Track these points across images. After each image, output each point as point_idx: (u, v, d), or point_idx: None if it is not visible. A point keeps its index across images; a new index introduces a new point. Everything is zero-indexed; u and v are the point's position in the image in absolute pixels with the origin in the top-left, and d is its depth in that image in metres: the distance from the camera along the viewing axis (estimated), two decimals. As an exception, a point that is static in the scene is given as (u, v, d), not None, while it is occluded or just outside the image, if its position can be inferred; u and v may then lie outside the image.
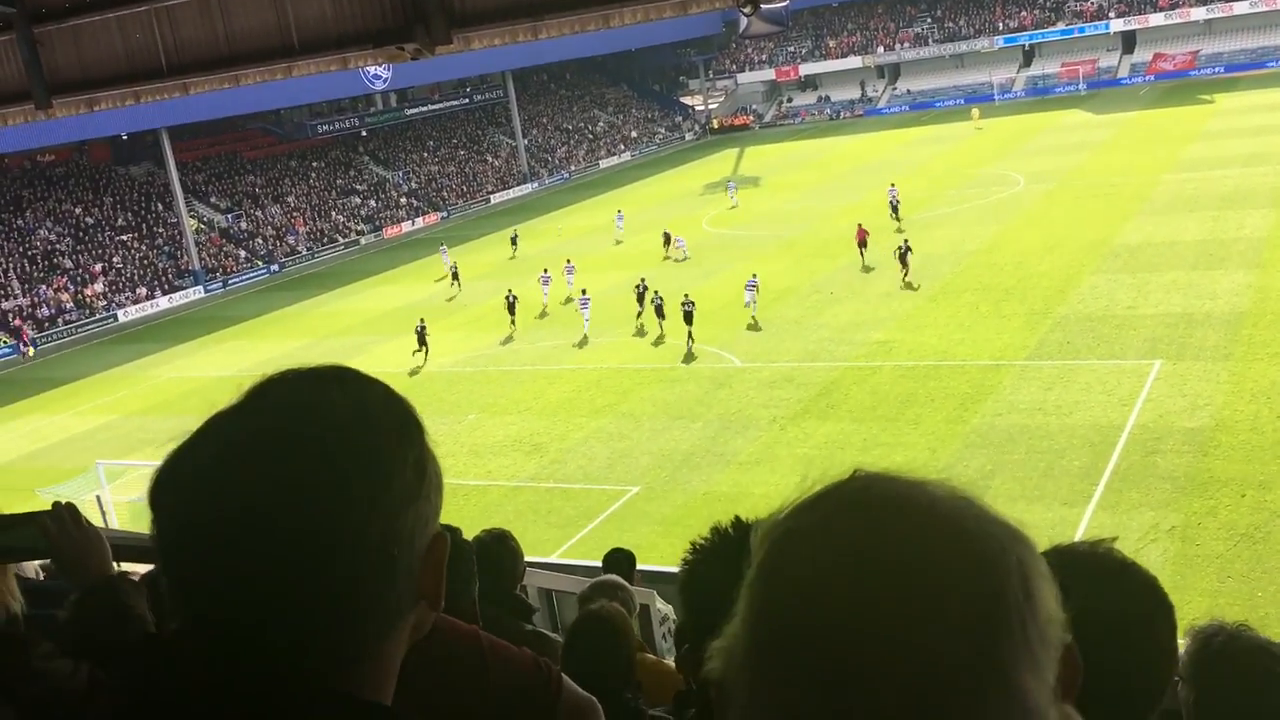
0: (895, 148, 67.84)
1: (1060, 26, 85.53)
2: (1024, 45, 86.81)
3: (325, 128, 71.53)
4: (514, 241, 53.46)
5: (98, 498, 23.48)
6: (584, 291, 36.64)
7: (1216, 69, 77.70)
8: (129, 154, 64.43)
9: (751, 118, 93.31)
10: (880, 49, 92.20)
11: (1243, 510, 18.15)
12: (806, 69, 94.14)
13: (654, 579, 7.73)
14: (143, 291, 55.25)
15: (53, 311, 51.70)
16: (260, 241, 63.24)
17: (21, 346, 47.98)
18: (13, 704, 2.28)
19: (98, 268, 55.75)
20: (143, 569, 3.79)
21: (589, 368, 31.92)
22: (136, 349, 44.90)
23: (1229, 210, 38.47)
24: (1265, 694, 2.81)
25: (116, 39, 11.19)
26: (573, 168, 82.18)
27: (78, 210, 59.69)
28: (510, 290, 38.13)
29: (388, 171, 75.21)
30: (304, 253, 63.13)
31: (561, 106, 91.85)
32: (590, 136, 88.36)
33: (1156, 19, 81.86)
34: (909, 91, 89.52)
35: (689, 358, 31.55)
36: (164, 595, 1.94)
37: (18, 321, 49.83)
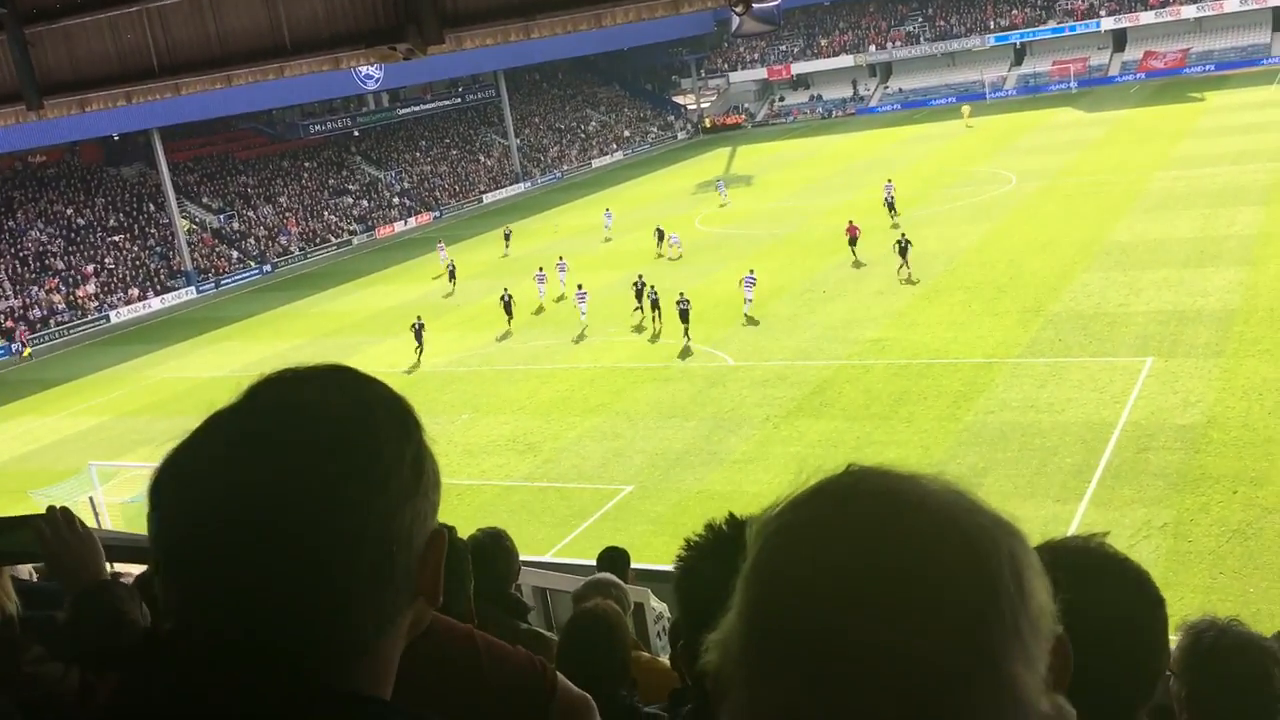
0: (887, 146, 67.93)
1: (1051, 25, 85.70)
2: (1015, 44, 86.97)
3: (317, 128, 71.41)
4: (507, 238, 53.99)
5: (90, 499, 23.41)
6: (580, 286, 36.96)
7: (1207, 67, 77.93)
8: (120, 155, 64.28)
9: (744, 117, 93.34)
10: (872, 48, 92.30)
11: (1235, 507, 18.21)
12: (798, 68, 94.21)
13: (648, 577, 7.74)
14: (135, 292, 55.12)
15: (44, 313, 51.56)
16: (252, 242, 63.12)
17: (19, 348, 47.84)
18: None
19: (89, 269, 55.60)
20: (137, 570, 3.79)
21: (582, 367, 31.93)
22: (129, 350, 44.79)
23: (1220, 208, 38.59)
24: (1256, 689, 2.83)
25: (108, 39, 11.17)
26: (565, 167, 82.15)
27: (69, 211, 59.52)
28: (506, 289, 38.27)
29: (380, 171, 75.12)
30: (296, 253, 63.03)
31: (554, 106, 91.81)
32: (582, 136, 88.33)
33: (1147, 17, 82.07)
34: (901, 90, 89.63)
35: (685, 354, 31.65)
36: (159, 595, 1.94)
37: (10, 323, 49.68)
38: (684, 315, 32.13)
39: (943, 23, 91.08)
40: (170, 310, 54.04)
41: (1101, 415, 22.61)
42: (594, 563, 7.38)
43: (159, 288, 56.20)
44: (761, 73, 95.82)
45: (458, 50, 10.57)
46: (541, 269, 41.26)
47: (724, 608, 0.86)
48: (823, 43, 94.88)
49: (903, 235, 36.76)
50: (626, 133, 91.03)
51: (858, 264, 38.78)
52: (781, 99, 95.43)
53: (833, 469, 0.87)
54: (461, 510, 21.37)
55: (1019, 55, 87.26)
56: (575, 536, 20.78)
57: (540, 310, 39.64)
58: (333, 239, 65.61)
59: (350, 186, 72.10)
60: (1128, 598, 1.70)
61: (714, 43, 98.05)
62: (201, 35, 11.06)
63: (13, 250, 55.15)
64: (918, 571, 0.78)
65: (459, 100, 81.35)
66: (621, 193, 66.46)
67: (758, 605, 0.82)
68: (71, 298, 53.22)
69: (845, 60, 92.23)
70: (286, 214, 66.39)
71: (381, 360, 34.54)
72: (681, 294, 32.98)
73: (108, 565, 2.76)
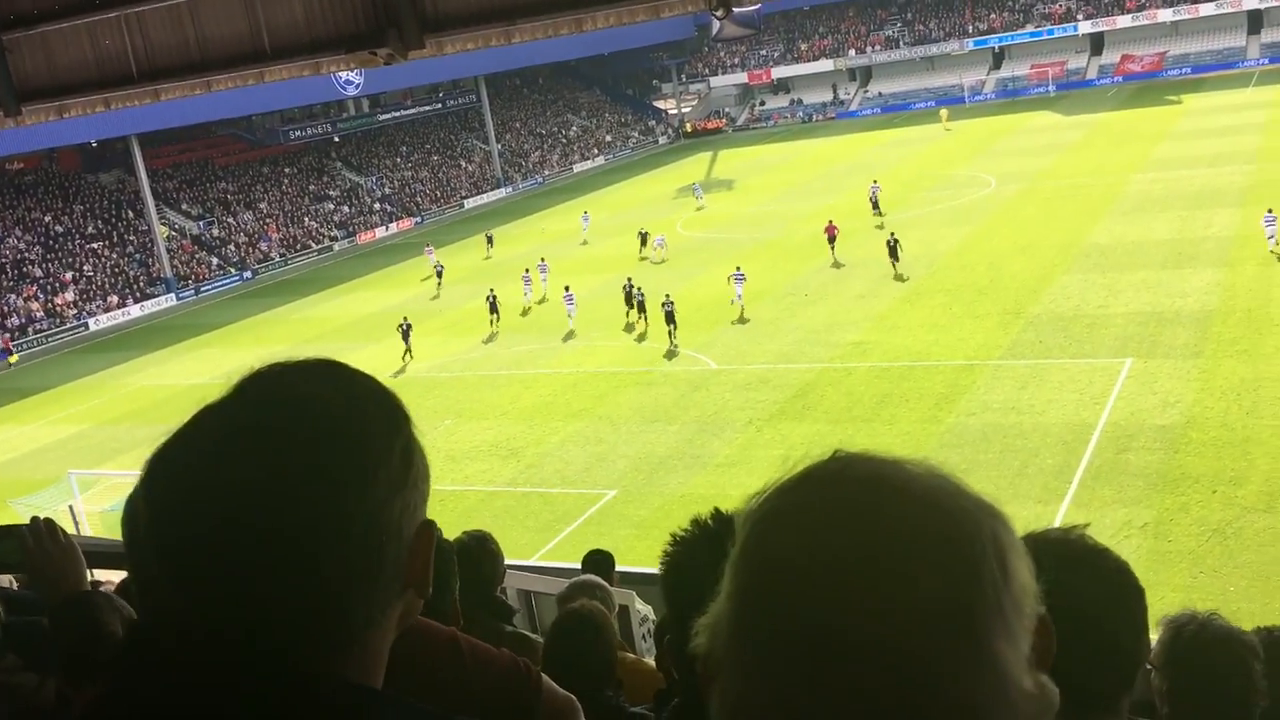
0: (868, 150, 68.21)
1: (1029, 29, 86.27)
2: (994, 48, 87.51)
3: (297, 133, 71.17)
4: (489, 241, 54.36)
5: (70, 508, 23.25)
6: (567, 288, 37.30)
7: (1183, 70, 78.59)
8: (99, 161, 63.91)
9: (724, 121, 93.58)
10: (851, 52, 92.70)
11: (1214, 506, 18.36)
12: (779, 72, 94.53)
13: (633, 580, 7.75)
14: (114, 300, 54.79)
15: (23, 321, 51.18)
16: (233, 248, 62.84)
17: (4, 354, 47.45)
18: None
19: (68, 276, 55.24)
20: (119, 576, 3.77)
21: (565, 372, 31.91)
22: (108, 358, 44.50)
23: (1197, 210, 38.91)
24: (1236, 682, 2.86)
25: (86, 45, 11.11)
26: (546, 172, 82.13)
27: (47, 218, 59.12)
28: (491, 290, 38.56)
29: (361, 177, 74.92)
30: (277, 259, 62.78)
31: (535, 111, 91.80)
32: (564, 141, 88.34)
33: (1124, 21, 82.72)
34: (880, 94, 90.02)
35: (671, 355, 31.83)
36: (144, 593, 1.93)
37: (-13, 331, 49.32)
38: (669, 316, 32.48)
39: (921, 27, 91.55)
40: (150, 317, 53.72)
41: (1082, 416, 22.76)
42: (579, 566, 7.38)
43: (138, 295, 55.87)
44: (742, 77, 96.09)
45: (438, 55, 10.56)
46: (527, 270, 41.75)
47: (712, 598, 0.88)
48: (803, 47, 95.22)
49: (892, 235, 37.55)
50: (608, 137, 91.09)
51: (836, 264, 39.29)
52: (762, 103, 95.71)
53: (819, 455, 0.89)
54: (445, 516, 21.25)
55: (997, 59, 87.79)
56: (559, 541, 20.76)
57: (526, 312, 39.87)
58: (314, 245, 65.37)
59: (331, 192, 71.89)
60: (1108, 587, 1.73)
61: (694, 47, 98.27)
62: (181, 41, 11.02)
63: (-10, 258, 54.77)
64: (903, 553, 0.80)
65: (440, 105, 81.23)
66: (603, 197, 66.54)
67: (746, 589, 0.83)
68: (50, 305, 52.85)
69: (825, 64, 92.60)
70: (267, 220, 66.13)
71: (365, 365, 32.54)
72: (667, 295, 33.31)
73: (90, 573, 2.75)
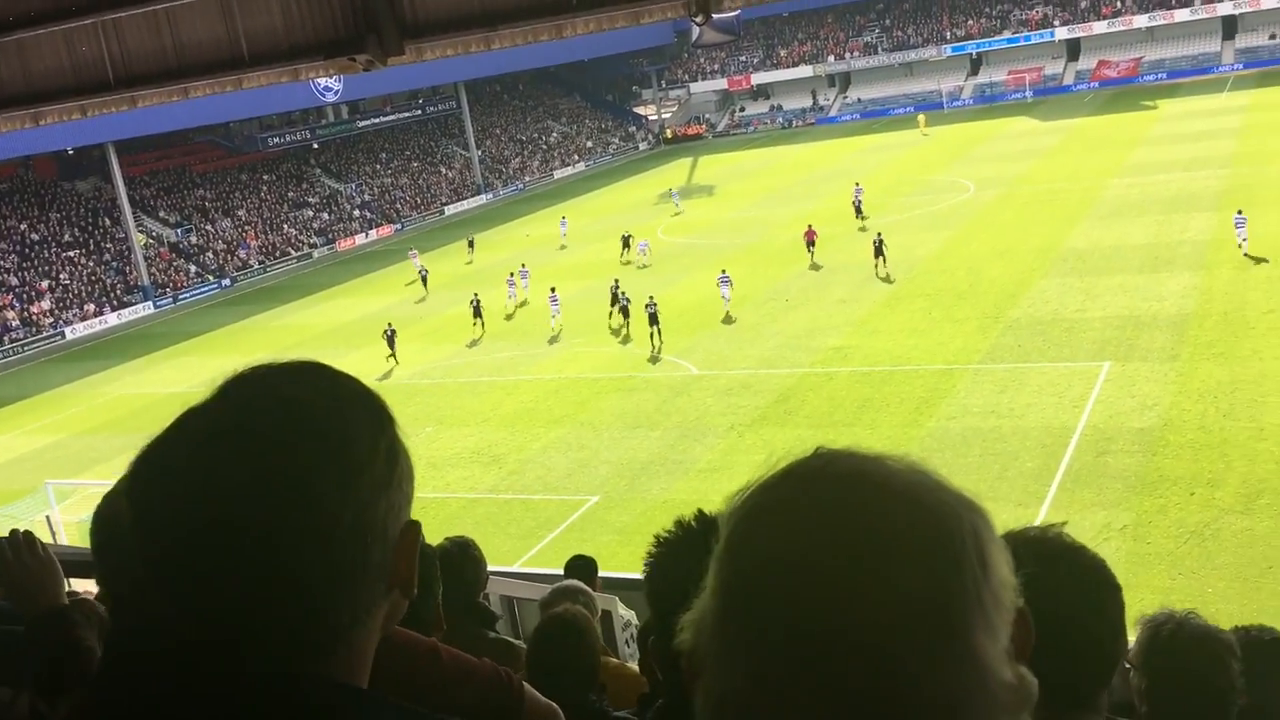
0: (847, 156, 68.49)
1: (1006, 35, 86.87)
2: (971, 54, 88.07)
3: (276, 140, 70.88)
4: (471, 245, 54.78)
5: (47, 518, 23.07)
6: (553, 289, 37.74)
7: (1159, 75, 79.28)
8: (75, 169, 63.47)
9: (704, 127, 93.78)
10: (831, 58, 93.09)
11: (1192, 508, 18.49)
12: (758, 78, 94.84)
13: (615, 586, 7.75)
14: (91, 308, 54.40)
15: (-2, 330, 50.78)
16: (211, 256, 62.51)
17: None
18: None
19: (44, 285, 54.80)
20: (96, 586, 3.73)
21: (546, 378, 31.88)
22: (85, 367, 44.17)
23: (1173, 214, 39.23)
24: (1214, 679, 2.88)
25: (63, 52, 11.05)
26: (527, 178, 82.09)
27: (23, 227, 58.66)
28: (475, 294, 38.84)
29: (340, 184, 74.68)
30: (256, 267, 62.48)
31: (515, 117, 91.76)
32: (544, 147, 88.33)
33: (1100, 27, 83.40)
34: (860, 100, 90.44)
35: (655, 358, 31.96)
36: (117, 601, 1.92)
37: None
38: (653, 319, 32.81)
39: (900, 33, 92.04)
40: (127, 326, 53.36)
41: (1061, 420, 22.89)
42: (561, 572, 7.38)
43: (115, 303, 55.50)
44: (722, 83, 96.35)
45: (418, 61, 10.55)
46: (512, 274, 42.19)
47: (696, 596, 0.88)
48: (782, 53, 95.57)
49: (878, 235, 38.23)
50: (588, 144, 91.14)
51: (815, 266, 39.83)
52: (742, 109, 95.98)
53: (802, 452, 0.90)
54: (427, 524, 20.88)
55: (975, 65, 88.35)
56: (541, 548, 20.72)
57: (510, 316, 40.13)
58: (293, 252, 65.11)
59: (310, 199, 71.63)
60: (1084, 583, 1.75)
61: (674, 54, 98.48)
62: (158, 47, 10.97)
63: (-35, 266, 54.29)
64: (884, 547, 0.81)
65: (419, 112, 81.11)
66: (584, 203, 66.57)
67: (730, 585, 0.84)
68: (26, 314, 52.41)
69: (804, 70, 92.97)
70: (245, 227, 65.83)
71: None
72: (651, 298, 33.63)
73: (67, 583, 2.73)
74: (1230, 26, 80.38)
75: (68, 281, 55.72)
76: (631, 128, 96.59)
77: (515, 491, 24.03)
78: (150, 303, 56.26)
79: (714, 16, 8.49)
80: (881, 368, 27.97)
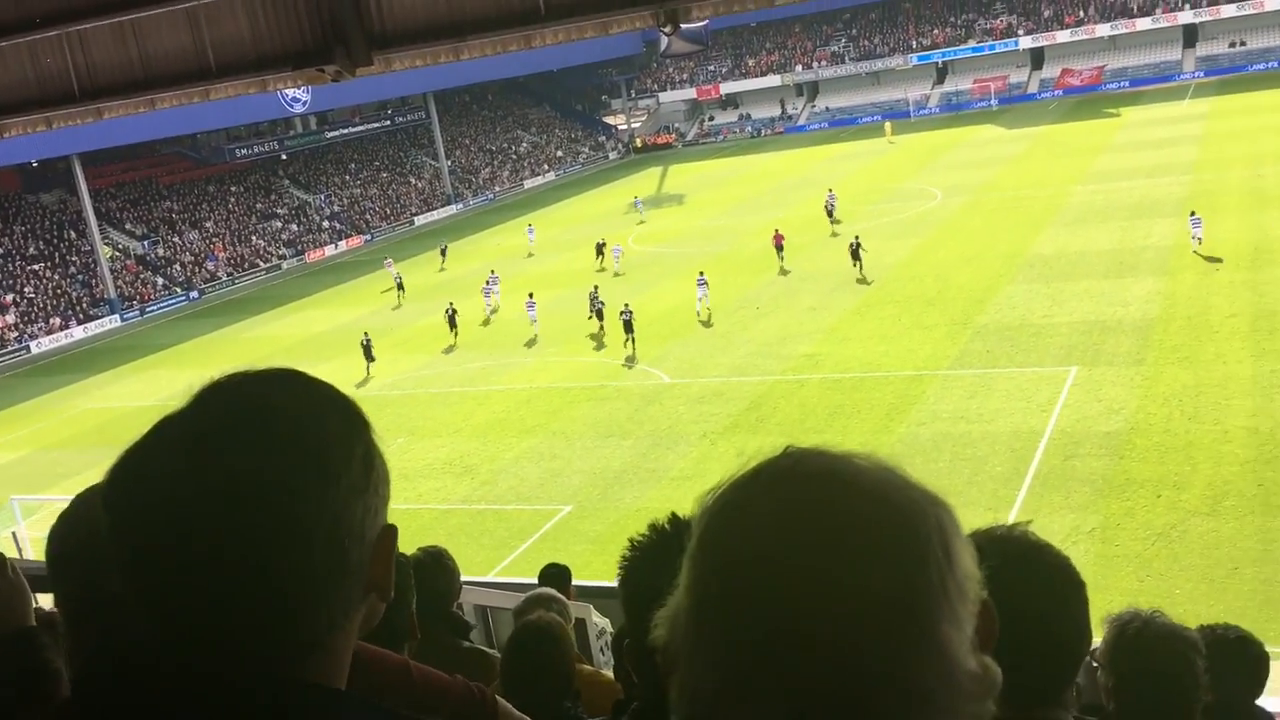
0: (816, 164, 68.86)
1: (971, 44, 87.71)
2: (937, 63, 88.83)
3: (243, 152, 70.40)
4: (443, 253, 55.10)
5: (13, 534, 22.76)
6: (530, 295, 38.15)
7: (1122, 83, 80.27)
8: (40, 181, 62.77)
9: (674, 136, 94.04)
10: (799, 67, 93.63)
11: (1159, 510, 18.70)
12: (727, 88, 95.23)
13: (590, 594, 7.75)
14: (56, 322, 53.76)
15: (-39, 344, 50.10)
16: (178, 268, 61.97)
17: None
18: None
19: (8, 298, 54.11)
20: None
21: (518, 388, 31.82)
22: (51, 381, 43.65)
23: (1137, 220, 39.71)
24: (1179, 676, 2.93)
25: (27, 64, 10.95)
26: (497, 188, 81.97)
27: (-14, 239, 57.98)
28: (450, 303, 38.93)
29: (309, 195, 74.28)
30: (224, 279, 62.02)
31: (484, 127, 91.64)
32: (514, 157, 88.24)
33: (1063, 36, 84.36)
34: (828, 109, 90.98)
35: (630, 362, 32.17)
36: (89, 612, 1.91)
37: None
38: (627, 325, 33.13)
39: (866, 43, 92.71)
40: (93, 339, 52.78)
41: (1029, 424, 23.09)
42: (535, 581, 7.37)
43: (81, 316, 54.89)
44: (691, 93, 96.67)
45: (387, 72, 10.53)
46: (487, 281, 42.55)
47: (671, 594, 0.91)
48: (750, 63, 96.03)
49: (855, 238, 38.83)
50: (558, 153, 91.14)
51: (784, 271, 40.31)
52: (711, 118, 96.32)
53: (772, 451, 0.92)
54: (399, 536, 21.09)
55: (941, 74, 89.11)
56: (515, 558, 20.67)
57: (486, 322, 40.27)
58: (262, 264, 64.66)
59: (279, 210, 71.19)
60: (1049, 579, 1.78)
61: (643, 63, 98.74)
62: (124, 59, 10.89)
63: (-73, 280, 53.55)
64: (852, 542, 0.84)
65: (388, 122, 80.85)
66: (554, 213, 66.58)
67: (702, 580, 0.86)
68: (-11, 328, 51.78)
69: (773, 80, 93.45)
70: (213, 239, 65.33)
71: (314, 385, 34.09)
72: (625, 305, 33.97)
73: (35, 599, 2.71)
74: (1191, 35, 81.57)
75: (32, 295, 55.06)
76: (601, 137, 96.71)
77: (488, 502, 23.96)
78: (117, 316, 55.69)
79: (682, 27, 8.54)
80: (852, 374, 28.12)
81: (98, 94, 11.04)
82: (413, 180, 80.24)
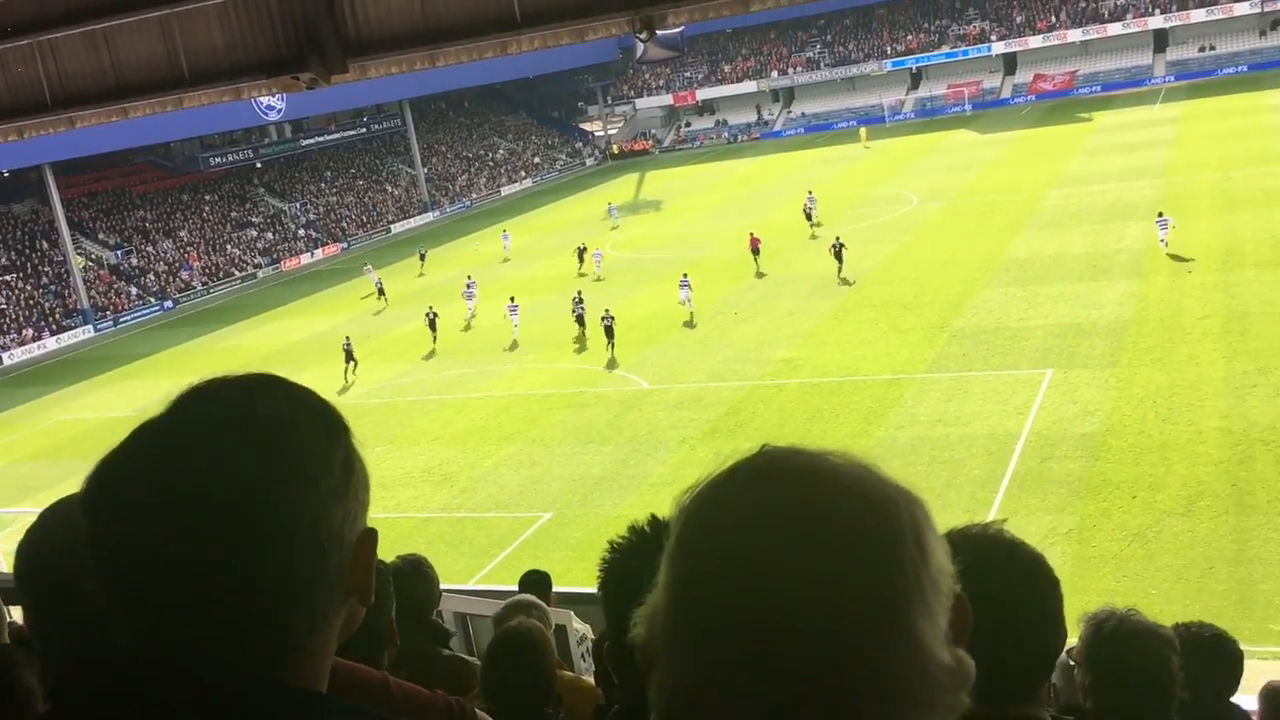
0: (792, 169, 69.11)
1: (945, 50, 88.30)
2: (911, 68, 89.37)
3: (218, 160, 70.03)
4: (422, 258, 55.46)
5: (-14, 548, 22.48)
6: (512, 299, 38.21)
7: (1094, 88, 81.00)
8: (11, 191, 62.19)
9: (651, 142, 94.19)
10: (774, 73, 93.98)
11: (1134, 511, 18.84)
12: (703, 94, 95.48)
13: (570, 600, 7.75)
14: (29, 333, 53.26)
15: (-68, 356, 49.55)
16: (152, 278, 61.54)
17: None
18: None
19: (-21, 309, 53.63)
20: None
21: (497, 395, 31.76)
22: (23, 392, 43.20)
23: (1110, 223, 40.06)
24: (1155, 673, 2.96)
25: (-3, 72, 10.86)
26: (474, 195, 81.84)
27: (-44, 250, 57.41)
28: (431, 308, 39.07)
29: (284, 203, 73.92)
30: (199, 288, 61.63)
31: (461, 134, 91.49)
32: (491, 164, 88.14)
33: (1035, 41, 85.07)
34: (804, 114, 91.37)
35: (611, 366, 32.36)
36: (59, 625, 1.89)
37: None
38: (608, 331, 33.25)
39: (841, 48, 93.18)
40: (67, 350, 52.31)
41: (1006, 427, 23.23)
42: (516, 588, 7.36)
43: (54, 327, 54.40)
44: (667, 99, 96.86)
45: (362, 79, 10.51)
46: (468, 284, 42.67)
47: (650, 590, 0.92)
48: (726, 69, 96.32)
49: (837, 239, 39.13)
50: (535, 160, 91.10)
51: (760, 274, 40.68)
52: (687, 124, 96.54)
53: (748, 450, 0.93)
54: (378, 545, 21.01)
55: (915, 79, 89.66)
56: (494, 566, 20.61)
57: (468, 327, 40.39)
58: (237, 273, 64.30)
59: (254, 219, 70.80)
60: (1022, 575, 1.80)
61: (619, 70, 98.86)
62: (96, 67, 10.83)
63: (-104, 292, 52.94)
64: (828, 537, 0.85)
65: (364, 130, 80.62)
66: (531, 219, 66.57)
67: (681, 577, 0.87)
68: (-39, 340, 51.24)
69: (749, 86, 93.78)
70: (187, 248, 64.91)
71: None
72: (606, 310, 34.14)
73: (8, 612, 2.69)
74: (1161, 40, 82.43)
75: (4, 306, 54.53)
76: (578, 144, 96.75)
77: (467, 510, 23.88)
78: (90, 326, 55.22)
79: (658, 33, 8.57)
80: (830, 379, 28.22)
81: (70, 103, 10.97)
82: (389, 188, 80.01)
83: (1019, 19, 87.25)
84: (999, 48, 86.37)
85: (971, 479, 21.07)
